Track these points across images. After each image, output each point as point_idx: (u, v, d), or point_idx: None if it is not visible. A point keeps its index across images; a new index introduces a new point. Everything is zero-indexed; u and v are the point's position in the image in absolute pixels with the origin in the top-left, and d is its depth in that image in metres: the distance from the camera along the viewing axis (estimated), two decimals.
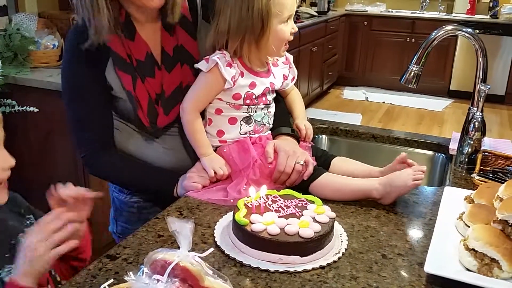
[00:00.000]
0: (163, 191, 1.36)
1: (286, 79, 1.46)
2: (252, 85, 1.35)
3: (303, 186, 1.29)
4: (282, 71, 1.45)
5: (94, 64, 1.30)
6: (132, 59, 1.32)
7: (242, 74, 1.34)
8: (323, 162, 1.40)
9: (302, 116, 1.52)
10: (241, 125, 1.37)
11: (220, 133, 1.38)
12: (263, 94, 1.38)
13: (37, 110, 2.33)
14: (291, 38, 1.34)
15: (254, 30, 1.27)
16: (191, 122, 1.35)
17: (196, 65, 1.34)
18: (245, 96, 1.35)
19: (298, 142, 1.43)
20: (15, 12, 2.76)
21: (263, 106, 1.39)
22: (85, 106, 1.34)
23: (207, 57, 1.32)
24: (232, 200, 1.25)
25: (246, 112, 1.37)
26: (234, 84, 1.32)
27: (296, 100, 1.55)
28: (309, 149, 1.43)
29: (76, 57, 1.31)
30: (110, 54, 1.30)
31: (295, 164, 1.28)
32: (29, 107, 2.32)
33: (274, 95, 1.45)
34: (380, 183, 1.25)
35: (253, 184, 1.26)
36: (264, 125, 1.41)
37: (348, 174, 1.34)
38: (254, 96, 1.36)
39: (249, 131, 1.38)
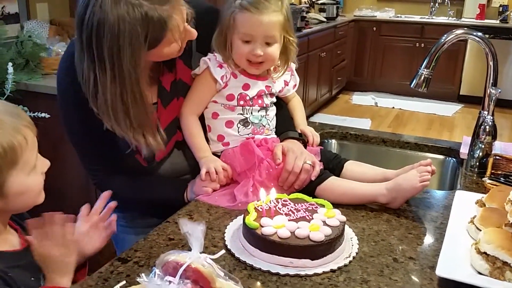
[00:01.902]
0: (175, 200, 1.36)
1: (287, 85, 1.47)
2: (246, 86, 1.37)
3: (309, 190, 1.29)
4: (283, 77, 1.45)
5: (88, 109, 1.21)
6: None
7: (235, 76, 1.36)
8: (336, 165, 1.40)
9: (304, 123, 1.52)
10: (238, 127, 1.38)
11: (221, 137, 1.38)
12: (259, 96, 1.38)
13: (48, 116, 2.35)
14: (252, 59, 1.31)
15: (221, 39, 1.33)
16: (188, 126, 1.36)
17: (192, 72, 1.37)
18: (239, 97, 1.36)
19: (305, 146, 1.43)
20: (26, 19, 2.79)
21: (259, 108, 1.39)
22: (86, 144, 1.34)
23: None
24: (240, 205, 1.25)
25: (241, 114, 1.38)
26: (226, 85, 1.34)
27: (297, 107, 1.55)
28: (318, 154, 1.42)
29: (71, 102, 1.27)
30: None
31: (303, 164, 1.28)
32: (41, 113, 2.34)
33: (274, 99, 1.45)
34: (387, 188, 1.25)
35: (260, 185, 1.27)
36: (264, 126, 1.40)
37: (362, 178, 1.33)
38: (248, 98, 1.37)
39: (247, 134, 1.38)
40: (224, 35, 1.33)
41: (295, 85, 1.50)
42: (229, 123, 1.37)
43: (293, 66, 1.48)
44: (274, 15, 1.28)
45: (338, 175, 1.36)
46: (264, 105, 1.40)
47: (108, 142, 1.28)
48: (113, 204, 1.22)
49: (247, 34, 1.29)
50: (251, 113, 1.38)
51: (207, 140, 1.40)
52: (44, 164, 1.07)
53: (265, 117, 1.41)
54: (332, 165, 1.39)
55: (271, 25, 1.29)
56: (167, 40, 1.15)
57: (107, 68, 1.10)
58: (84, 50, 1.12)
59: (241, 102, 1.36)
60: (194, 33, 1.23)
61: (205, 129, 1.40)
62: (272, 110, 1.45)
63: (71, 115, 1.30)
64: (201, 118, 1.40)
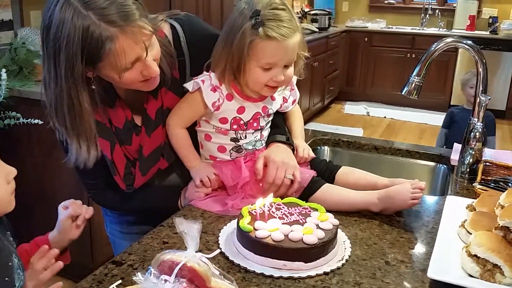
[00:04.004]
0: (168, 207, 1.36)
1: (286, 102, 1.43)
2: (241, 110, 1.31)
3: (302, 198, 1.27)
4: (282, 94, 1.41)
5: None
6: (112, 124, 1.27)
7: (230, 98, 1.29)
8: (329, 174, 1.39)
9: (301, 136, 1.48)
10: (231, 153, 1.36)
11: (213, 157, 1.37)
12: (254, 119, 1.33)
13: (41, 122, 2.35)
14: (272, 84, 1.25)
15: (232, 64, 1.24)
16: (175, 137, 1.33)
17: (184, 85, 1.30)
18: (232, 121, 1.31)
19: (293, 150, 1.41)
20: (20, 26, 2.79)
21: (253, 131, 1.35)
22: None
23: (196, 78, 1.30)
24: (230, 209, 1.25)
25: (234, 138, 1.34)
26: (218, 109, 1.29)
27: (295, 118, 1.51)
28: (308, 162, 1.42)
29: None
30: None
31: (284, 177, 1.28)
32: (34, 120, 2.34)
33: (270, 118, 1.40)
34: (378, 197, 1.25)
35: (251, 197, 1.27)
36: (257, 149, 1.38)
37: (353, 187, 1.33)
38: (242, 122, 1.32)
39: (240, 157, 1.36)
40: (237, 61, 1.23)
41: (295, 100, 1.46)
42: (222, 149, 1.35)
43: (293, 79, 1.41)
44: (294, 37, 1.21)
45: (331, 183, 1.36)
46: (259, 127, 1.36)
47: (103, 160, 1.28)
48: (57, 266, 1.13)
49: (270, 63, 1.21)
50: (245, 136, 1.34)
51: (199, 153, 1.38)
52: (8, 172, 0.98)
53: (260, 140, 1.38)
54: (327, 174, 1.39)
55: (294, 49, 1.23)
56: (108, 62, 1.08)
57: (51, 68, 1.10)
58: (43, 44, 1.12)
59: (235, 126, 1.32)
60: (153, 70, 1.15)
61: (197, 143, 1.38)
62: (267, 130, 1.41)
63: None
64: (191, 128, 1.37)
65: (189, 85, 1.30)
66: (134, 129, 1.31)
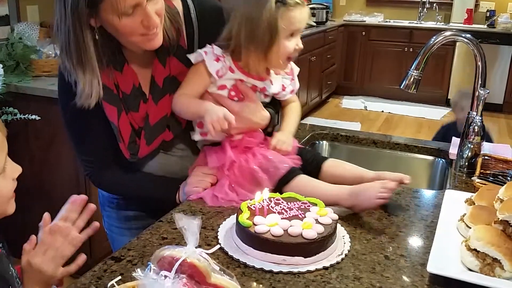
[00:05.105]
0: (166, 199, 1.36)
1: (284, 90, 1.44)
2: (241, 81, 1.35)
3: (277, 188, 1.28)
4: (282, 81, 1.43)
5: None
6: (119, 90, 1.29)
7: (232, 71, 1.34)
8: (315, 165, 1.39)
9: (287, 130, 1.46)
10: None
11: (200, 124, 1.36)
12: (252, 90, 1.37)
13: (39, 118, 2.34)
14: (295, 54, 1.34)
15: (260, 43, 1.28)
16: (180, 105, 1.32)
17: (188, 55, 1.33)
18: (231, 87, 1.35)
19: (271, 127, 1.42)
20: (17, 21, 2.78)
21: None
22: (82, 130, 1.33)
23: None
24: (223, 201, 1.26)
25: None
26: (221, 77, 1.33)
27: (291, 113, 1.50)
28: (294, 149, 1.41)
29: (68, 88, 1.25)
30: None
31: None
32: (31, 115, 2.34)
33: (266, 100, 1.42)
34: (349, 193, 1.23)
35: (235, 184, 1.29)
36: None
37: (339, 180, 1.32)
38: (239, 89, 1.35)
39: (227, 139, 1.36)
40: (269, 36, 1.27)
41: (293, 90, 1.47)
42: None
43: (296, 70, 1.47)
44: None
45: (316, 176, 1.35)
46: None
47: (104, 131, 1.29)
48: (92, 206, 1.15)
49: (295, 29, 1.31)
50: None
51: (192, 128, 1.39)
52: (15, 169, 0.97)
53: None
54: (311, 167, 1.38)
55: (309, 14, 1.35)
56: (109, 3, 1.11)
57: (62, 7, 1.14)
58: None
59: (232, 93, 1.35)
60: (153, 20, 1.17)
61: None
62: None
63: (72, 104, 1.26)
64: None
65: (192, 57, 1.33)
66: (141, 96, 1.32)
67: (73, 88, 1.22)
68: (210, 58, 1.31)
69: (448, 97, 6.50)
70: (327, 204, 1.22)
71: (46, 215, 1.10)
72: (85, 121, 1.30)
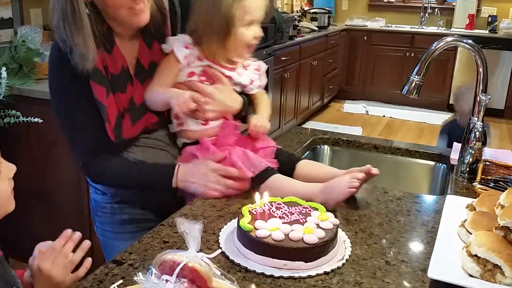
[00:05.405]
0: (162, 184, 1.36)
1: (251, 84, 1.48)
2: (209, 67, 1.40)
3: (253, 186, 1.32)
4: (250, 76, 1.48)
5: (78, 77, 1.27)
6: (108, 72, 1.32)
7: (199, 59, 1.39)
8: (289, 165, 1.43)
9: (263, 115, 1.49)
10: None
11: (176, 116, 1.40)
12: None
13: (41, 121, 2.35)
14: (254, 42, 1.40)
15: (218, 31, 1.34)
16: (150, 97, 1.37)
17: (161, 46, 1.39)
18: (200, 73, 1.39)
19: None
20: (20, 24, 2.79)
21: None
22: (73, 118, 1.34)
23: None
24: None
25: None
26: (188, 64, 1.37)
27: (261, 101, 1.53)
28: (272, 154, 1.44)
29: (61, 70, 1.30)
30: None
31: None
32: (33, 118, 2.34)
33: (237, 89, 1.46)
34: (321, 189, 1.28)
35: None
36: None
37: (312, 178, 1.36)
38: (208, 74, 1.39)
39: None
40: (226, 25, 1.33)
41: (260, 86, 1.51)
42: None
43: (263, 67, 1.53)
44: None
45: (291, 176, 1.39)
46: None
47: (93, 117, 1.31)
48: (86, 244, 1.14)
49: (252, 19, 1.36)
50: None
51: (170, 121, 1.44)
52: (10, 169, 0.97)
53: None
54: (286, 167, 1.42)
55: (266, 4, 1.39)
56: None
57: None
58: None
59: (202, 78, 1.39)
60: None
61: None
62: None
63: (64, 89, 1.32)
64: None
65: (164, 46, 1.40)
66: (129, 79, 1.36)
67: (69, 56, 1.24)
68: (179, 46, 1.37)
69: (450, 102, 6.50)
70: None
71: (69, 231, 1.11)
72: (75, 103, 1.32)
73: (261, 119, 1.45)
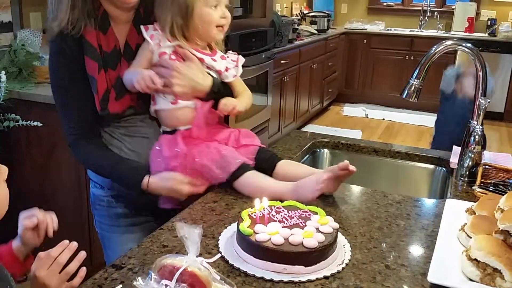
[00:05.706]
0: (132, 181, 1.39)
1: (227, 71, 1.48)
2: (179, 47, 1.41)
3: (227, 183, 1.36)
4: (226, 64, 1.49)
5: (75, 56, 1.37)
6: (101, 50, 1.40)
7: (170, 40, 1.40)
8: (270, 163, 1.44)
9: (240, 101, 1.50)
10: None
11: (153, 97, 1.44)
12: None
13: (41, 124, 2.35)
14: (223, 22, 1.42)
15: (180, 12, 1.37)
16: (124, 76, 1.40)
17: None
18: (171, 53, 1.40)
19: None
20: (20, 28, 2.79)
21: None
22: (65, 96, 1.42)
23: None
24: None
25: None
26: (158, 45, 1.39)
27: (241, 96, 1.53)
28: (254, 153, 1.45)
29: (59, 50, 1.38)
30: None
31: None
32: (33, 122, 2.34)
33: (212, 73, 1.46)
34: (292, 188, 1.30)
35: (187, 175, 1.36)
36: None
37: (291, 177, 1.37)
38: (179, 54, 1.40)
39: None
40: (186, 8, 1.37)
41: (235, 75, 1.51)
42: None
43: (241, 60, 1.53)
44: None
45: (271, 175, 1.41)
46: None
47: (86, 99, 1.39)
48: (82, 255, 1.11)
49: (217, 1, 1.39)
50: None
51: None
52: (2, 171, 0.98)
53: None
54: (266, 165, 1.43)
55: None
56: None
57: None
58: None
59: (173, 57, 1.40)
60: None
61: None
62: None
63: (57, 61, 1.40)
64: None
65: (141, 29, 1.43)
66: (119, 58, 1.43)
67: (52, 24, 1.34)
68: (151, 28, 1.41)
69: None
70: (272, 199, 1.24)
71: (66, 242, 1.10)
72: (67, 91, 1.40)
73: (231, 100, 1.46)
